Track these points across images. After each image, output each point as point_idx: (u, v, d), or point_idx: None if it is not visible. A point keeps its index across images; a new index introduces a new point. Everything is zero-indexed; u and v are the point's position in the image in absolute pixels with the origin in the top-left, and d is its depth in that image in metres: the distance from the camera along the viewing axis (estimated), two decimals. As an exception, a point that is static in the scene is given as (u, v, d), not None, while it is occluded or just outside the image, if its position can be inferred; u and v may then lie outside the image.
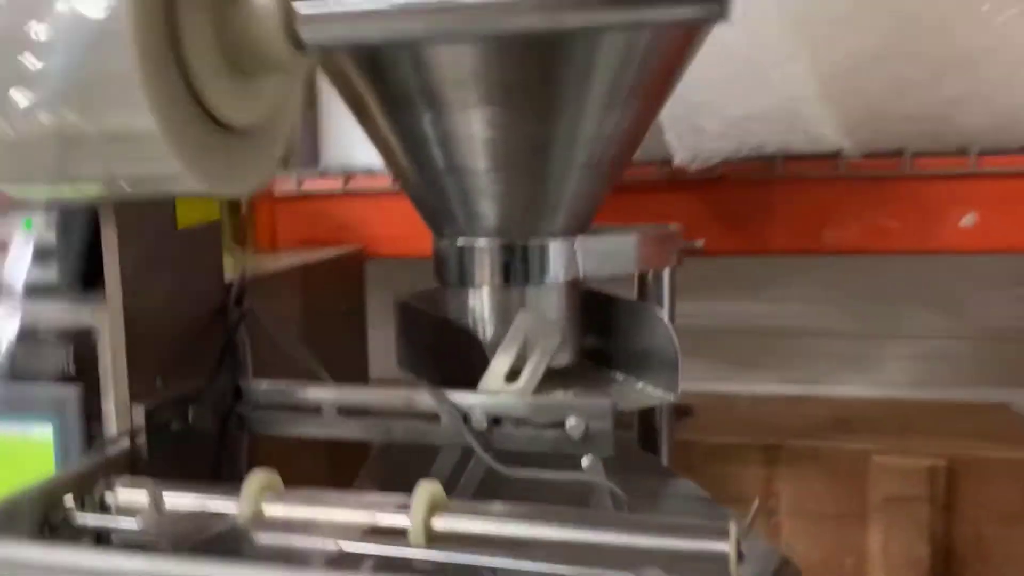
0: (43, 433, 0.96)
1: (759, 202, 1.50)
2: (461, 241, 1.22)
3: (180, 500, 0.85)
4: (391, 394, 0.99)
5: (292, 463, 1.02)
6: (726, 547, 0.75)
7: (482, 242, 1.20)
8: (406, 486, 0.93)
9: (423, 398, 0.99)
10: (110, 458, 0.91)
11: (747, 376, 2.42)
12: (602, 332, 1.29)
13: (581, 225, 1.24)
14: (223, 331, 1.05)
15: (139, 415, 0.93)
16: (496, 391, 0.99)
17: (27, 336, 0.97)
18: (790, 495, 2.14)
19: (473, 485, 1.00)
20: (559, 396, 1.02)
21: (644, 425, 1.40)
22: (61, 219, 1.01)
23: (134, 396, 0.94)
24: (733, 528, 0.76)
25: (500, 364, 1.01)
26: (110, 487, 0.88)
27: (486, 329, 1.21)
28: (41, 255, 1.02)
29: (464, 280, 1.22)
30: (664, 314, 1.20)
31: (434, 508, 0.80)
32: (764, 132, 1.44)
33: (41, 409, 0.95)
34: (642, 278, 1.35)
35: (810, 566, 2.13)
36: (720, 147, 1.44)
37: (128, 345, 0.93)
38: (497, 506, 0.82)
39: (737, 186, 1.50)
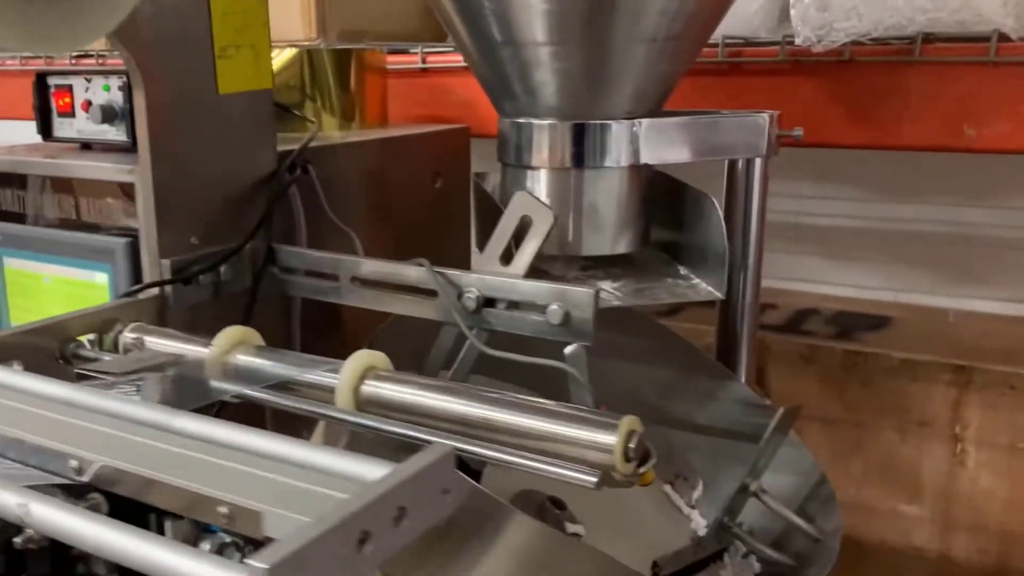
0: (102, 277, 1.08)
1: (892, 89, 1.32)
2: (521, 120, 1.19)
3: (166, 344, 0.93)
4: (397, 269, 1.00)
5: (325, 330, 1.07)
6: (612, 440, 0.72)
7: (540, 121, 1.17)
8: (405, 360, 0.96)
9: (426, 275, 0.99)
10: (140, 305, 1.01)
11: (958, 289, 2.18)
12: (672, 222, 1.22)
13: (648, 107, 1.16)
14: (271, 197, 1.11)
15: (166, 269, 1.02)
16: (490, 272, 0.98)
17: (93, 186, 1.08)
18: (980, 424, 1.94)
19: (468, 364, 1.00)
20: (547, 282, 0.98)
21: (724, 326, 1.32)
22: (128, 84, 1.10)
23: (163, 251, 1.02)
24: (625, 423, 0.72)
25: (495, 245, 0.99)
26: (124, 330, 0.98)
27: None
28: (113, 115, 1.13)
29: (521, 160, 1.20)
30: (719, 206, 1.11)
31: (364, 375, 0.82)
32: (906, 9, 1.26)
33: (99, 257, 1.07)
34: (732, 167, 1.26)
35: (995, 502, 1.93)
36: (850, 26, 1.28)
37: (157, 203, 1.01)
38: (423, 380, 0.83)
39: (867, 70, 1.33)
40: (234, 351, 0.88)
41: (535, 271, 1.09)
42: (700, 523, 1.10)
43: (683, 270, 1.18)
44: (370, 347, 1.13)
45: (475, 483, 0.80)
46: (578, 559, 0.80)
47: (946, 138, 1.31)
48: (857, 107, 1.35)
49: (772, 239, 2.43)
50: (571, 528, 0.98)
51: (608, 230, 1.13)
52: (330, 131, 1.41)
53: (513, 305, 0.95)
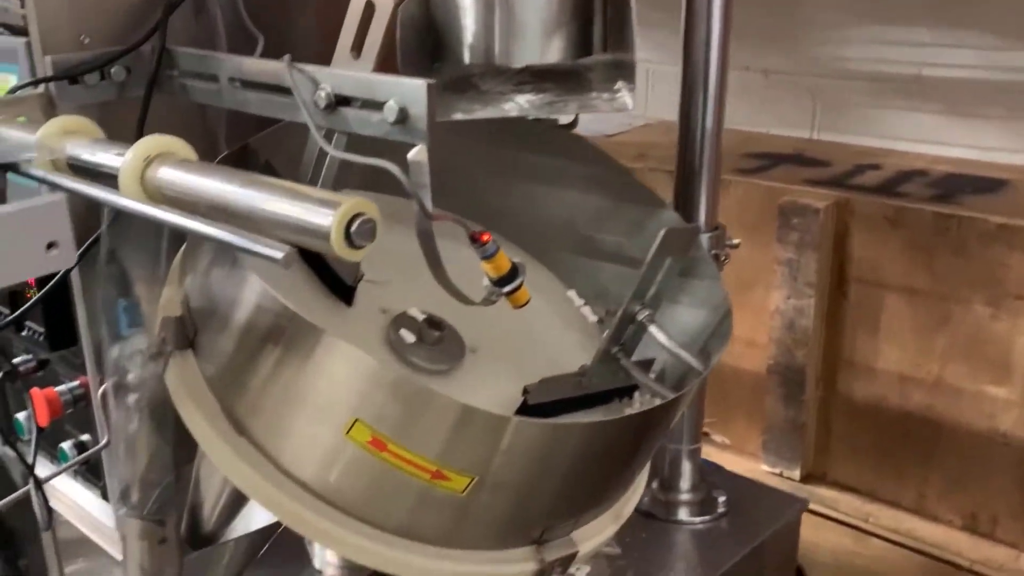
0: (12, 78, 1.07)
1: None
2: None
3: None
4: (264, 67, 0.93)
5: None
6: (330, 219, 0.64)
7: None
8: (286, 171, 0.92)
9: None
10: (25, 103, 1.00)
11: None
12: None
13: None
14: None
15: (49, 65, 1.00)
16: (341, 67, 0.90)
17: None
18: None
19: (332, 174, 0.93)
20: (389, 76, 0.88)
21: (683, 157, 1.16)
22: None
23: (48, 48, 1.00)
24: (347, 205, 0.64)
25: (345, 38, 0.90)
26: (-1, 123, 0.97)
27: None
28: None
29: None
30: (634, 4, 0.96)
31: (151, 159, 0.77)
32: None
33: (6, 57, 1.06)
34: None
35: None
36: None
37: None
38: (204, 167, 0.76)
39: None
40: (63, 139, 0.86)
41: (467, 84, 1.01)
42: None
43: (620, 85, 1.05)
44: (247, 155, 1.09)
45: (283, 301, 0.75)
46: (412, 394, 0.74)
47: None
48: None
49: (884, 94, 2.19)
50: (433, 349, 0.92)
51: (534, 37, 1.01)
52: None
53: (369, 104, 0.87)
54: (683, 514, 1.28)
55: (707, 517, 1.27)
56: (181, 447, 0.90)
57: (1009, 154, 2.01)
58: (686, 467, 1.29)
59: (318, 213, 0.63)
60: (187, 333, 0.84)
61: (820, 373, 1.96)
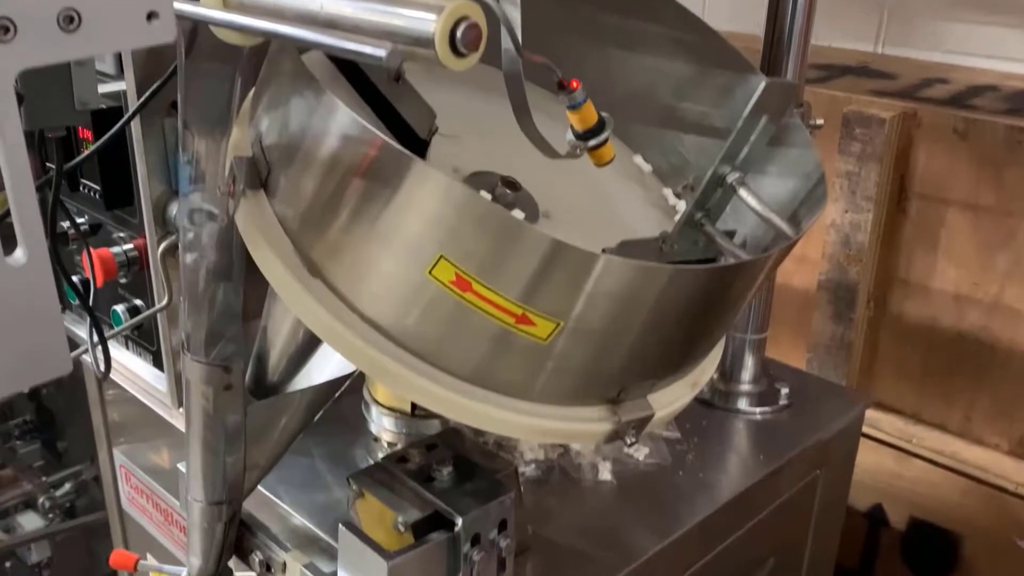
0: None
1: None
2: None
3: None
4: None
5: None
6: (432, 26, 0.60)
7: None
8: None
9: None
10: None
11: None
12: None
13: None
14: None
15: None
16: None
17: None
18: None
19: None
20: None
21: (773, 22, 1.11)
22: None
23: None
24: (449, 6, 0.60)
25: None
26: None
27: None
28: None
29: None
30: None
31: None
32: None
33: None
34: None
35: None
36: None
37: None
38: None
39: None
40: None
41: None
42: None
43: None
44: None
45: (377, 132, 0.71)
46: (451, 200, 0.70)
47: None
48: None
49: (954, 6, 2.10)
50: (516, 213, 0.89)
51: None
52: None
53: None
54: (744, 404, 1.25)
55: (768, 408, 1.24)
56: (249, 299, 0.88)
57: (1090, 74, 1.94)
58: (749, 358, 1.26)
59: (420, 19, 0.59)
60: (259, 172, 0.81)
61: (872, 291, 1.92)
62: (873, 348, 1.99)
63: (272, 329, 0.91)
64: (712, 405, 1.25)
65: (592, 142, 0.83)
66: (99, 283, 1.15)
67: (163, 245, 1.08)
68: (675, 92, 1.02)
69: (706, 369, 0.88)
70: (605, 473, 1.07)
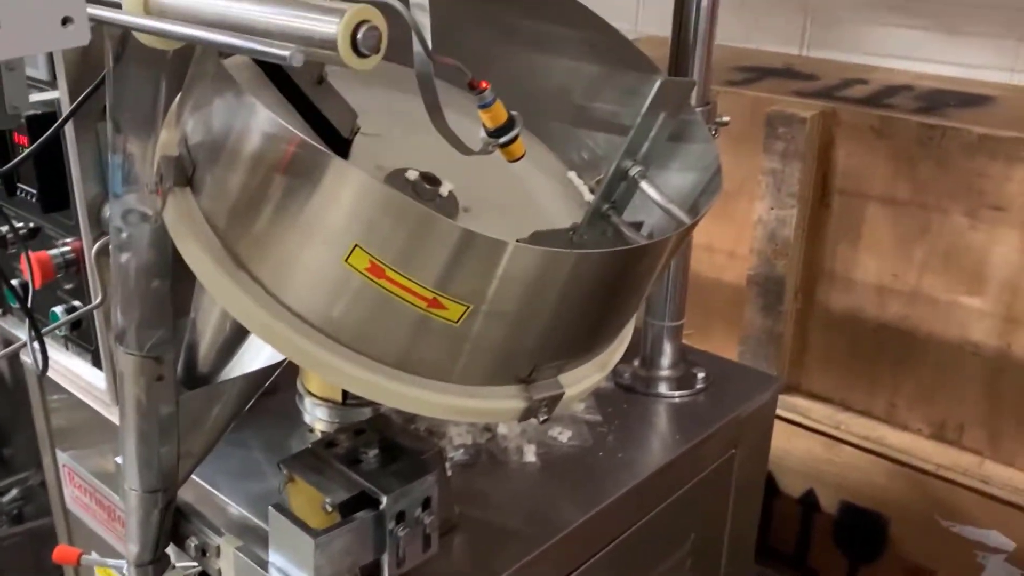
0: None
1: None
2: None
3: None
4: None
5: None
6: (334, 29, 0.65)
7: None
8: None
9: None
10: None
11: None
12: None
13: None
14: None
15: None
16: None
17: None
18: (1061, 210, 1.72)
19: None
20: None
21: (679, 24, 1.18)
22: None
23: None
24: (354, 11, 0.65)
25: None
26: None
27: None
28: None
29: None
30: None
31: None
32: None
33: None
34: None
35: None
36: None
37: None
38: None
39: None
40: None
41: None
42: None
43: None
44: None
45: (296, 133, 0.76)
46: (365, 193, 0.75)
47: None
48: None
49: (875, 10, 2.19)
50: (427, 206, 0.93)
51: None
52: None
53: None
54: (663, 388, 1.31)
55: (686, 392, 1.30)
56: (177, 294, 0.92)
57: (994, 71, 2.03)
58: (667, 344, 1.32)
59: (322, 21, 0.63)
60: (185, 170, 0.85)
61: (799, 284, 1.99)
62: (802, 339, 2.06)
63: (201, 320, 0.95)
64: (633, 390, 1.31)
65: (503, 139, 0.87)
66: (37, 285, 1.18)
67: (97, 245, 1.12)
68: (587, 92, 1.08)
69: (615, 351, 0.93)
70: (530, 455, 1.13)
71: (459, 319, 0.77)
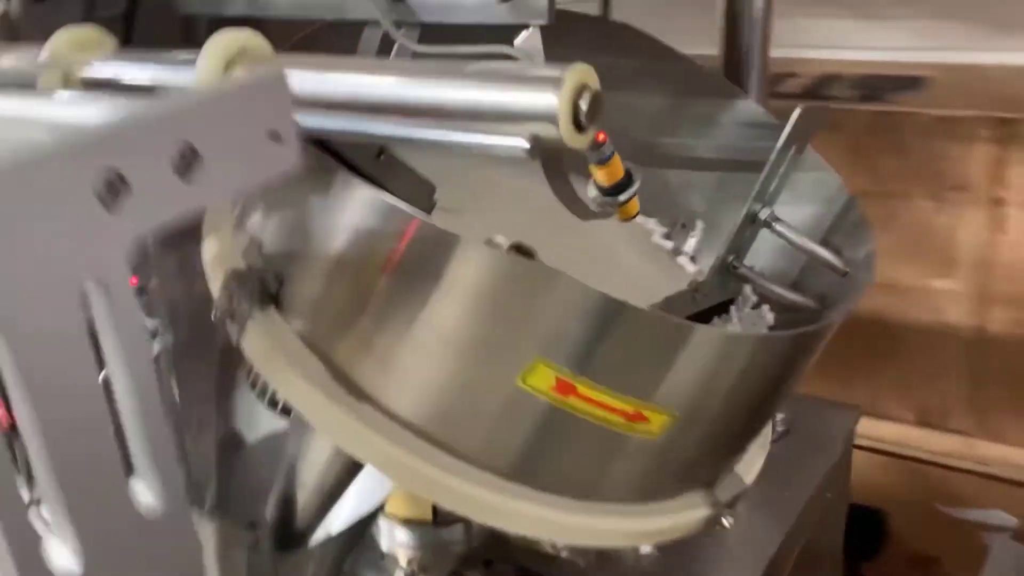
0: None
1: None
2: None
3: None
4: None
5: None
6: (554, 101, 0.50)
7: None
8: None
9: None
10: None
11: (997, 43, 1.92)
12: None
13: None
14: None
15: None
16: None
17: None
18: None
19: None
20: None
21: (730, 46, 1.08)
22: None
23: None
24: (572, 74, 0.51)
25: None
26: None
27: None
28: None
29: None
30: None
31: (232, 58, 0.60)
32: None
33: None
34: None
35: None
36: None
37: None
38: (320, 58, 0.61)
39: None
40: (80, 54, 0.67)
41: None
42: (699, 271, 0.91)
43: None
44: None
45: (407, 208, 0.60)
46: (549, 287, 0.60)
47: None
48: None
49: (789, 2, 2.16)
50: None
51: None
52: None
53: (451, -13, 0.72)
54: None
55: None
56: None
57: (917, 52, 2.03)
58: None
59: (537, 92, 0.49)
60: (268, 286, 0.68)
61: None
62: (770, 341, 2.01)
63: (300, 462, 0.77)
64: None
65: (622, 197, 0.74)
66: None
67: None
68: (650, 127, 0.95)
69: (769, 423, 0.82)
70: (645, 547, 0.99)
71: (661, 431, 0.64)
